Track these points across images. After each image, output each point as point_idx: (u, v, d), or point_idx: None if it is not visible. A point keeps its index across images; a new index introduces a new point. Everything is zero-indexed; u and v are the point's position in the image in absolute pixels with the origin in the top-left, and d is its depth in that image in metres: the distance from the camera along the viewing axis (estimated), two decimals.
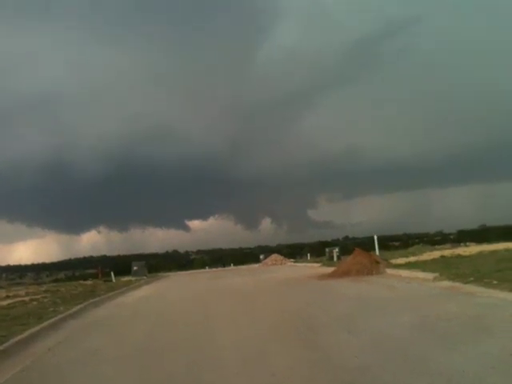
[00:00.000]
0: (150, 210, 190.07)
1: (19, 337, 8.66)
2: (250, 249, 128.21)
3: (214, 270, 56.39)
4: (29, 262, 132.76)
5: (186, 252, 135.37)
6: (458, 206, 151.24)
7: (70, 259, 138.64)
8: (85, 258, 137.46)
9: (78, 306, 13.90)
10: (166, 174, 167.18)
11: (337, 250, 38.07)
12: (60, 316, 11.61)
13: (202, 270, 57.83)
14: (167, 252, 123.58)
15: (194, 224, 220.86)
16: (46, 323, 10.39)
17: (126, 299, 17.71)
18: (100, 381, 5.79)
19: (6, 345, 7.91)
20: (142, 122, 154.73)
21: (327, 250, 40.46)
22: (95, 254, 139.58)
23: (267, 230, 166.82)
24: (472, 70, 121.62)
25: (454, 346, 5.88)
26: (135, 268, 38.37)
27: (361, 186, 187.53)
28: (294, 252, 64.26)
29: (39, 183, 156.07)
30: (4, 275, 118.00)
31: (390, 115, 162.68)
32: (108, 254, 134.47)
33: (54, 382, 5.99)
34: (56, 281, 69.54)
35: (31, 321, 11.16)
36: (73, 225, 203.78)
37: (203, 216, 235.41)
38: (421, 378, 4.79)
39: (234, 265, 66.47)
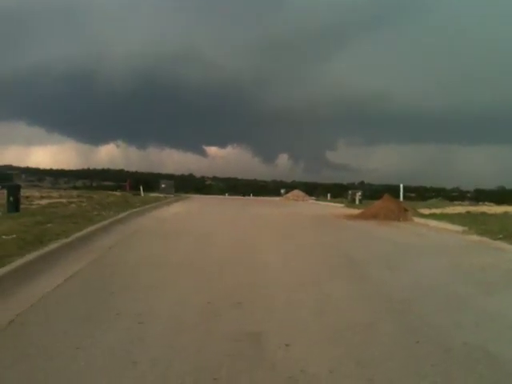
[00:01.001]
0: (169, 130, 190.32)
1: (78, 234, 9.36)
2: (266, 182, 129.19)
3: (235, 197, 57.22)
4: (47, 167, 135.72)
5: (202, 177, 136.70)
6: (477, 164, 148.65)
7: (88, 169, 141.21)
8: (103, 169, 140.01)
9: (122, 214, 14.62)
10: (189, 97, 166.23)
11: (360, 193, 38.49)
12: (109, 220, 12.34)
13: (223, 197, 58.74)
14: (183, 175, 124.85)
15: (212, 150, 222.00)
16: (98, 225, 11.09)
17: (162, 213, 18.42)
18: (170, 281, 6.39)
19: (69, 239, 8.61)
20: (170, 42, 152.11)
21: (350, 192, 40.93)
22: (112, 167, 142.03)
23: (283, 166, 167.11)
24: None
25: (491, 292, 6.34)
26: (163, 186, 39.53)
27: (384, 133, 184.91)
28: (308, 190, 64.42)
29: (63, 90, 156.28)
30: (23, 176, 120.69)
31: (425, 63, 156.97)
32: (126, 168, 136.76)
33: (126, 276, 6.60)
34: (75, 188, 71.16)
35: (81, 221, 11.92)
36: (92, 135, 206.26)
37: (221, 143, 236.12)
38: (465, 313, 5.26)
39: (254, 195, 67.32)
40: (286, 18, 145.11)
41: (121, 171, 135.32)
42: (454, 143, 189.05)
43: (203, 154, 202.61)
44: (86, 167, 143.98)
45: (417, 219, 17.75)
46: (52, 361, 3.60)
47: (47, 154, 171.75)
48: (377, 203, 19.97)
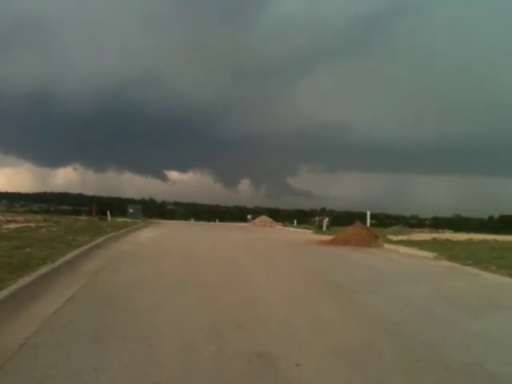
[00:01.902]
0: (129, 154, 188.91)
1: (62, 258, 9.29)
2: (228, 207, 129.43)
3: (201, 223, 57.06)
4: (2, 190, 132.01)
5: (163, 202, 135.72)
6: (434, 193, 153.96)
7: (45, 192, 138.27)
8: (60, 193, 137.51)
9: (99, 239, 14.50)
10: (151, 121, 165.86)
11: (327, 219, 39.20)
12: (89, 245, 12.24)
13: (188, 222, 58.48)
14: (144, 199, 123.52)
15: (172, 175, 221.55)
16: (78, 250, 10.98)
17: (136, 239, 18.31)
18: (166, 304, 6.45)
19: (55, 264, 8.55)
20: (135, 64, 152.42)
21: (317, 218, 41.68)
22: (70, 190, 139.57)
23: (245, 191, 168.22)
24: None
25: (475, 314, 6.71)
26: (131, 210, 39.21)
27: (344, 162, 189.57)
28: (271, 216, 64.88)
29: (20, 112, 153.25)
30: None
31: (385, 95, 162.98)
32: (84, 192, 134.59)
33: (122, 300, 6.60)
34: (31, 211, 69.13)
35: (60, 246, 11.78)
36: (49, 158, 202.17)
37: (182, 168, 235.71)
38: (455, 334, 5.57)
39: (220, 221, 67.29)
40: (250, 45, 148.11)
41: (79, 195, 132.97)
42: (412, 173, 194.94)
43: (163, 178, 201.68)
44: (42, 190, 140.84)
45: (387, 245, 18.30)
46: (78, 381, 3.67)
47: (2, 176, 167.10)
48: (348, 229, 20.47)
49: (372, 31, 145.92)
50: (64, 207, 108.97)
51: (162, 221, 49.09)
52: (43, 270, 7.80)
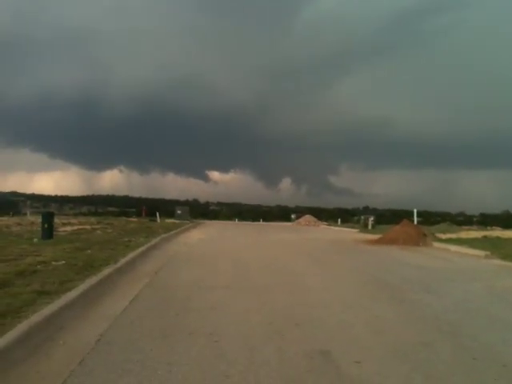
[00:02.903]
0: (172, 156, 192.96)
1: (123, 259, 9.78)
2: (270, 207, 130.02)
3: (246, 223, 57.44)
4: (52, 193, 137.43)
5: (207, 202, 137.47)
6: (481, 189, 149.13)
7: (92, 195, 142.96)
8: (108, 195, 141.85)
9: (153, 240, 15.03)
10: (192, 123, 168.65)
11: (372, 218, 38.77)
12: (145, 246, 12.76)
13: (233, 222, 58.98)
14: (188, 200, 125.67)
15: (214, 175, 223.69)
16: (135, 251, 11.48)
17: (187, 240, 18.78)
18: (225, 303, 6.74)
19: (118, 265, 9.03)
20: (176, 69, 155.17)
21: (362, 217, 41.32)
22: (115, 193, 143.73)
23: (286, 191, 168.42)
24: None
25: None
26: (179, 212, 40.16)
27: (386, 158, 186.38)
28: (313, 215, 64.48)
29: (67, 117, 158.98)
30: (28, 202, 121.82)
31: (427, 90, 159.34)
32: (130, 194, 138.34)
33: (183, 299, 6.93)
34: (81, 214, 71.52)
35: (118, 247, 12.34)
36: (95, 161, 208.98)
37: (224, 169, 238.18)
38: (510, 334, 5.60)
39: (263, 221, 67.55)
40: (289, 45, 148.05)
41: (125, 197, 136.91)
42: (457, 168, 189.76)
43: (205, 179, 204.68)
44: (89, 193, 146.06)
45: (436, 244, 18.02)
46: (154, 375, 3.98)
47: (51, 180, 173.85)
48: (395, 228, 20.24)
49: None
50: (111, 209, 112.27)
51: (206, 221, 49.84)
52: (107, 270, 8.26)
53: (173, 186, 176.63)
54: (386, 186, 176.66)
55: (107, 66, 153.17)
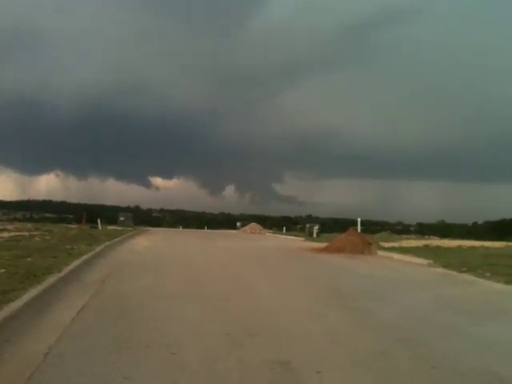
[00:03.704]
0: (112, 161, 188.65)
1: (67, 268, 9.32)
2: (214, 214, 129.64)
3: (191, 230, 56.84)
4: None
5: (149, 209, 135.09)
6: (418, 199, 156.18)
7: (28, 200, 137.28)
8: (44, 201, 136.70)
9: (97, 248, 14.48)
10: (136, 128, 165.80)
11: (317, 227, 39.51)
12: (89, 254, 12.25)
13: (177, 230, 58.22)
14: (129, 206, 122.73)
15: (157, 182, 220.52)
16: (79, 259, 10.99)
17: (132, 247, 18.27)
18: (178, 312, 6.53)
19: (62, 274, 8.59)
20: (122, 73, 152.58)
21: (307, 225, 41.98)
22: (52, 198, 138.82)
23: (230, 198, 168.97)
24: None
25: (477, 321, 6.88)
26: (122, 218, 39.11)
27: (330, 168, 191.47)
28: (258, 223, 65.10)
29: (1, 118, 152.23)
30: None
31: (371, 103, 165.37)
32: (67, 200, 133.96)
33: (134, 309, 6.65)
34: (15, 220, 68.23)
35: (60, 255, 11.79)
36: (30, 165, 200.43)
37: (167, 175, 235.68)
38: (462, 341, 5.74)
39: (208, 228, 67.15)
40: (239, 53, 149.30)
41: (63, 203, 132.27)
42: (396, 179, 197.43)
43: (148, 185, 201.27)
44: (24, 198, 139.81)
45: (380, 252, 18.50)
46: None
47: None
48: (341, 237, 20.65)
49: None
50: (48, 215, 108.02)
51: (150, 228, 48.85)
52: (51, 279, 7.84)
53: (113, 191, 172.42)
54: (330, 195, 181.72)
55: (50, 66, 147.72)
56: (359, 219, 27.46)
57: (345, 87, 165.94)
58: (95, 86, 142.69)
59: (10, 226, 28.59)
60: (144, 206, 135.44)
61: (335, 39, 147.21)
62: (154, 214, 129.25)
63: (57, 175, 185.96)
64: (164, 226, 70.64)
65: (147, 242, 22.10)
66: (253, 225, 51.85)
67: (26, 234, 21.13)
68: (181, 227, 69.08)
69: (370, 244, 19.34)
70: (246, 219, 70.61)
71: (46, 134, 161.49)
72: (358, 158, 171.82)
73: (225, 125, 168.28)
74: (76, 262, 10.27)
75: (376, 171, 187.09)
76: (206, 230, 62.73)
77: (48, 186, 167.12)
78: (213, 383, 3.99)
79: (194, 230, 61.90)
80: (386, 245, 22.43)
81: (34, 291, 6.74)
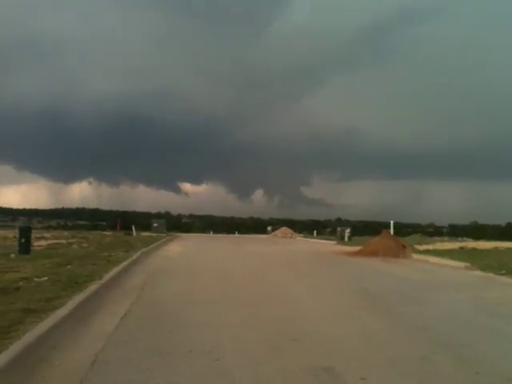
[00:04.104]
0: (142, 168, 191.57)
1: (107, 275, 9.55)
2: (243, 219, 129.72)
3: (221, 235, 57.06)
4: (20, 207, 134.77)
5: (179, 215, 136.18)
6: (450, 200, 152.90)
7: (62, 208, 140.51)
8: (77, 208, 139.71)
9: (134, 255, 14.75)
10: (164, 135, 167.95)
11: (348, 230, 39.10)
12: (128, 261, 12.50)
13: (208, 235, 58.52)
14: (160, 212, 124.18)
15: (186, 187, 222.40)
16: (118, 266, 11.23)
17: (167, 253, 18.51)
18: (217, 318, 6.61)
19: (103, 281, 8.80)
20: (147, 80, 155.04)
21: (339, 229, 41.62)
22: (85, 205, 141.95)
23: (259, 202, 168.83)
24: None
25: None
26: (155, 225, 39.75)
27: (357, 170, 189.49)
28: (287, 227, 64.94)
29: (33, 128, 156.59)
30: None
31: (397, 103, 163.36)
32: (100, 207, 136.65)
33: (174, 315, 6.76)
34: (49, 228, 69.78)
35: (99, 262, 12.07)
36: (63, 173, 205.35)
37: (196, 180, 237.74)
38: (505, 344, 5.66)
39: (238, 233, 67.27)
40: (263, 56, 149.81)
41: (95, 210, 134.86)
42: (427, 179, 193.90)
43: (177, 191, 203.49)
44: (58, 206, 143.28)
45: (415, 256, 18.22)
46: None
47: (18, 192, 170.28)
48: (375, 240, 20.42)
49: None
50: (81, 222, 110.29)
51: (181, 234, 49.30)
52: (93, 286, 8.05)
53: (144, 198, 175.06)
54: (358, 197, 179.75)
55: (76, 76, 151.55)
56: (392, 222, 27.11)
57: (370, 87, 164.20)
58: (122, 94, 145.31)
59: (47, 234, 29.37)
60: (174, 211, 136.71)
61: (355, 40, 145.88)
62: (183, 220, 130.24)
63: (89, 183, 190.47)
64: (194, 232, 71.05)
65: (180, 248, 22.35)
66: (283, 229, 51.66)
67: (64, 241, 21.68)
68: (211, 232, 69.29)
69: (404, 247, 19.07)
70: (275, 223, 70.52)
71: (78, 143, 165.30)
72: (385, 158, 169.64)
73: (251, 129, 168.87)
74: (115, 269, 10.50)
75: (404, 172, 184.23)
76: (236, 234, 62.83)
77: (81, 193, 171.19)
78: None
79: (224, 235, 62.13)
80: (420, 247, 22.07)
81: (77, 298, 6.94)
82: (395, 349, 5.34)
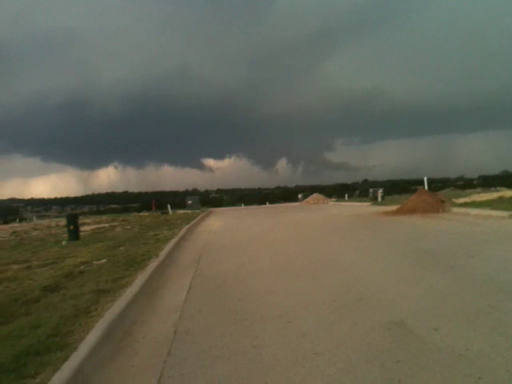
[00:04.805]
0: (165, 148, 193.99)
1: (162, 252, 9.86)
2: (269, 189, 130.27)
3: (254, 207, 57.44)
4: (51, 196, 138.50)
5: (206, 191, 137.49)
6: (477, 151, 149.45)
7: (92, 194, 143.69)
8: (107, 193, 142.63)
9: (179, 231, 15.10)
10: (183, 114, 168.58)
11: (381, 190, 38.96)
12: (176, 238, 12.83)
13: (241, 207, 58.89)
14: (187, 190, 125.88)
15: (210, 163, 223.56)
16: (168, 244, 11.55)
17: (209, 228, 18.75)
18: (280, 285, 6.81)
19: (160, 258, 9.11)
20: (161, 63, 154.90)
21: (371, 190, 41.55)
22: (114, 190, 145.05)
23: (283, 171, 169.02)
24: None
25: None
26: (190, 202, 40.30)
27: (380, 130, 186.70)
28: (316, 192, 64.69)
29: (56, 120, 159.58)
30: (29, 207, 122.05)
31: (416, 59, 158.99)
32: (129, 190, 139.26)
33: (236, 285, 7.00)
34: (82, 214, 71.26)
35: (149, 241, 12.44)
36: (89, 160, 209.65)
37: (219, 155, 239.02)
38: None
39: (269, 203, 67.62)
40: (273, 30, 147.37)
41: (125, 193, 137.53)
42: (452, 133, 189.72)
43: (201, 167, 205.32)
44: (88, 192, 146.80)
45: (455, 209, 18.06)
46: (245, 358, 4.07)
47: (48, 183, 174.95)
48: (412, 197, 20.25)
49: None
50: (113, 206, 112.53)
51: (214, 209, 49.77)
52: (153, 264, 8.35)
53: (169, 177, 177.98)
54: (382, 158, 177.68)
55: (93, 66, 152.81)
56: (425, 178, 26.82)
57: (385, 47, 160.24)
58: (138, 79, 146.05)
59: (87, 220, 30.21)
60: (201, 187, 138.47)
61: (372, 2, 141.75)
62: (211, 195, 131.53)
63: (115, 167, 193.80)
64: (224, 206, 71.65)
65: (220, 222, 22.63)
66: (315, 195, 51.69)
67: (106, 225, 22.29)
68: (242, 205, 69.78)
69: (443, 202, 18.89)
70: (303, 191, 70.54)
71: (98, 130, 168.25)
72: (408, 115, 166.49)
73: (269, 100, 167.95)
74: (167, 247, 10.81)
75: (427, 128, 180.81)
76: (267, 205, 63.17)
77: (109, 178, 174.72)
78: (336, 346, 4.21)
79: (255, 206, 62.51)
80: (457, 201, 21.84)
81: (141, 276, 7.24)
82: (462, 300, 5.42)
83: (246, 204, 73.26)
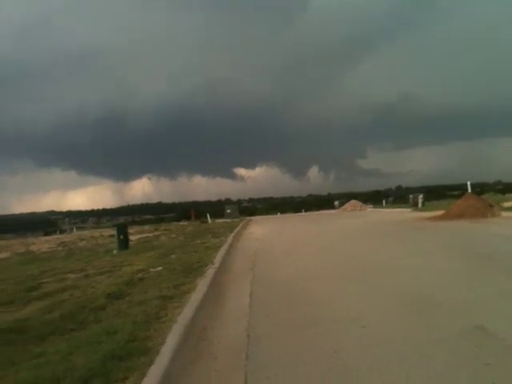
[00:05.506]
0: (196, 158, 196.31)
1: (215, 259, 9.95)
2: (302, 197, 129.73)
3: (290, 215, 57.24)
4: (89, 208, 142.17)
5: (239, 200, 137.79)
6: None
7: (127, 205, 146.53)
8: (142, 204, 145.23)
9: (226, 239, 15.20)
10: (213, 124, 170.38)
11: (421, 196, 38.21)
12: (225, 246, 12.92)
13: (277, 216, 58.74)
14: (220, 200, 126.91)
15: (241, 172, 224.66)
16: (221, 251, 11.66)
17: (253, 236, 18.77)
18: (339, 291, 6.77)
19: (216, 265, 9.18)
20: (192, 75, 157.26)
21: (411, 196, 40.79)
22: (148, 201, 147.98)
23: (315, 179, 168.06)
24: None
25: None
26: (228, 211, 40.61)
27: (412, 135, 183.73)
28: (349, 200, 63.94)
29: (92, 134, 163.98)
30: (67, 219, 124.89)
31: (451, 63, 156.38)
32: (162, 200, 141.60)
33: (298, 290, 6.98)
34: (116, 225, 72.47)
35: (199, 249, 12.56)
36: (123, 173, 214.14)
37: (250, 165, 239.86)
38: None
39: (305, 211, 67.16)
40: (302, 37, 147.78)
41: (159, 204, 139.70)
42: (485, 137, 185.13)
43: (233, 177, 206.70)
44: (123, 204, 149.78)
45: (504, 213, 17.57)
46: (328, 362, 4.03)
47: (84, 195, 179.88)
48: (459, 202, 19.80)
49: None
50: (147, 217, 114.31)
51: (252, 217, 49.75)
52: (210, 271, 8.43)
53: (202, 187, 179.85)
54: (415, 164, 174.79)
55: (127, 81, 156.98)
56: (469, 182, 26.09)
57: (415, 51, 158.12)
58: (171, 92, 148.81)
59: (130, 230, 30.73)
60: (233, 197, 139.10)
61: (402, 7, 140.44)
62: (243, 205, 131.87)
63: (149, 178, 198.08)
64: (258, 214, 71.57)
65: (262, 230, 22.60)
66: (352, 202, 50.94)
67: (150, 234, 22.64)
68: (278, 213, 69.60)
69: (491, 206, 18.40)
70: (336, 198, 69.72)
71: (132, 143, 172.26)
72: (440, 121, 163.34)
73: (299, 108, 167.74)
74: (218, 255, 10.89)
75: (459, 133, 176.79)
76: (303, 212, 62.76)
77: (143, 189, 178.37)
78: (419, 349, 4.14)
79: (291, 214, 62.22)
80: (504, 205, 21.24)
81: (202, 283, 7.31)
82: None
83: (280, 212, 73.00)
